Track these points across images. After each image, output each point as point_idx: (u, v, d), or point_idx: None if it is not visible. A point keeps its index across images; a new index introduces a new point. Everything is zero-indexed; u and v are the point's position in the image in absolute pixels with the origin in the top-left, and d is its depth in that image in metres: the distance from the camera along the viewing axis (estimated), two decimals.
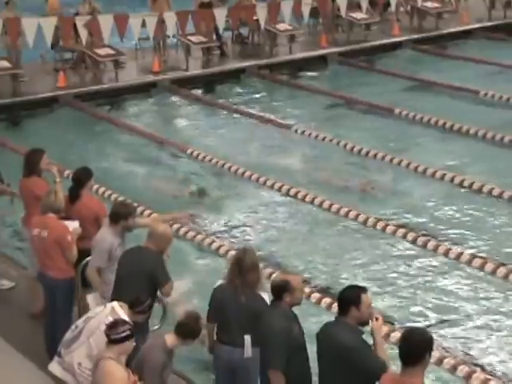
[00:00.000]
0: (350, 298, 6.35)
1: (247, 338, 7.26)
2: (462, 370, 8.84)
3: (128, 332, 6.41)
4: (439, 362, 8.86)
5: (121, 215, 8.38)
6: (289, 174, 14.35)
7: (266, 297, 7.37)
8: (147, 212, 12.50)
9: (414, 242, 11.81)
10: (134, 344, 6.53)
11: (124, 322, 6.52)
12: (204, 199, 13.32)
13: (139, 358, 6.81)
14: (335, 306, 7.73)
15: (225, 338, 7.41)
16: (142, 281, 7.72)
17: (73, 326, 7.19)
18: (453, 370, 8.86)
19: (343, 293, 6.46)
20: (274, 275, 7.15)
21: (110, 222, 8.41)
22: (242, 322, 7.27)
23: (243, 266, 7.36)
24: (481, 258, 11.21)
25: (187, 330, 6.84)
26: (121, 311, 7.04)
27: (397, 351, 5.70)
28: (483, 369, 8.99)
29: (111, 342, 6.38)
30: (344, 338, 6.24)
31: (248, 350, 7.25)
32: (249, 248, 7.66)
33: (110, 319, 6.89)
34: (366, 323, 6.38)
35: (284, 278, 7.06)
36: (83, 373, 6.92)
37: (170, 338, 6.87)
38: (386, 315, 9.43)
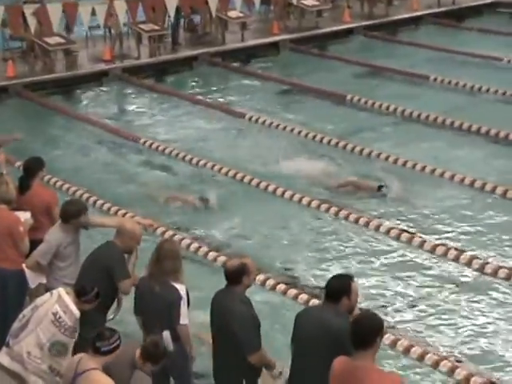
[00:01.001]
0: (341, 287, 6.30)
1: (166, 334, 7.14)
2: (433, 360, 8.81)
3: (118, 342, 6.31)
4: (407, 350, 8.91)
5: (70, 214, 8.23)
6: (243, 162, 14.34)
7: (184, 289, 7.24)
8: (99, 203, 12.46)
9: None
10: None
11: (113, 332, 6.37)
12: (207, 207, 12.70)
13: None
14: None
15: (147, 329, 7.34)
16: (98, 273, 7.65)
17: (20, 316, 7.08)
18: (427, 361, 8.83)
19: (333, 282, 6.37)
20: (230, 262, 7.01)
21: (60, 220, 8.33)
22: (157, 313, 7.16)
23: (161, 254, 7.28)
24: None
25: (147, 353, 6.58)
26: (67, 299, 6.96)
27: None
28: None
29: (100, 353, 6.25)
30: (338, 326, 6.15)
31: (169, 345, 7.11)
32: (171, 238, 7.57)
33: (57, 307, 6.82)
34: (353, 311, 6.37)
35: (240, 261, 6.96)
36: (33, 361, 6.84)
37: (137, 354, 6.65)
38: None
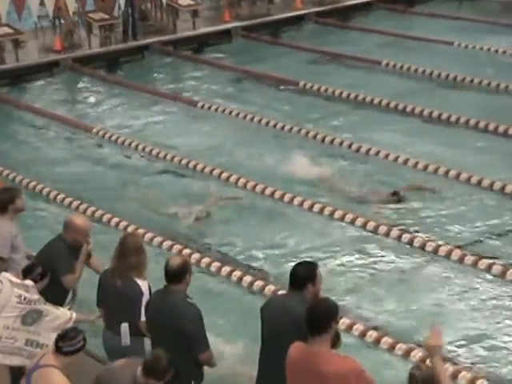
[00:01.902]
0: (306, 274, 6.30)
1: (124, 326, 7.11)
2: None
3: (82, 343, 6.15)
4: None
5: (6, 201, 8.14)
6: (197, 151, 14.30)
7: (146, 285, 7.14)
8: (46, 191, 12.48)
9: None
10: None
11: (77, 332, 6.22)
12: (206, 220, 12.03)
13: (102, 377, 6.35)
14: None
15: (106, 323, 7.32)
16: (45, 266, 7.59)
17: None
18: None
19: (298, 269, 6.36)
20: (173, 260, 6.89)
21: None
22: (117, 307, 7.11)
23: (124, 249, 7.22)
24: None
25: (149, 369, 6.12)
26: (18, 279, 6.95)
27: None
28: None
29: (62, 353, 6.11)
30: (299, 310, 6.10)
31: (126, 338, 7.10)
32: (135, 232, 7.48)
33: (17, 290, 6.76)
34: (317, 297, 6.36)
35: (182, 258, 6.90)
36: (5, 343, 6.78)
37: (139, 371, 6.19)
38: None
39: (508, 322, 9.33)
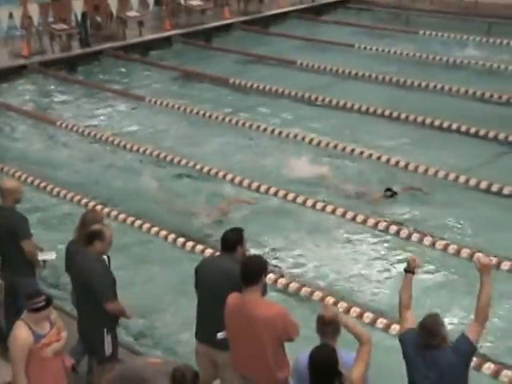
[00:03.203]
0: (236, 237, 6.27)
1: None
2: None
3: (42, 303, 5.94)
4: None
5: None
6: (143, 138, 14.17)
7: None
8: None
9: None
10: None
11: (39, 294, 6.04)
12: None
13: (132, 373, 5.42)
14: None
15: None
16: (5, 237, 7.33)
17: None
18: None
19: (229, 234, 6.29)
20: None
21: None
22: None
23: (84, 222, 7.03)
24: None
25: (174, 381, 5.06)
26: None
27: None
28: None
29: (28, 310, 5.97)
30: (234, 270, 6.06)
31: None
32: (95, 209, 7.19)
33: None
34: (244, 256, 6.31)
35: (98, 226, 6.67)
36: None
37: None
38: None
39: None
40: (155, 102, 16.06)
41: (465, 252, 9.51)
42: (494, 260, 9.15)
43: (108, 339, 6.59)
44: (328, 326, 5.24)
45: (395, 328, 7.54)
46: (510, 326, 8.19)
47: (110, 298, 6.48)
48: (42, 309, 5.95)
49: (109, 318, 6.58)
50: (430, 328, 5.14)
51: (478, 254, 5.47)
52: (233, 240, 6.27)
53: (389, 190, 11.20)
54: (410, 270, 5.59)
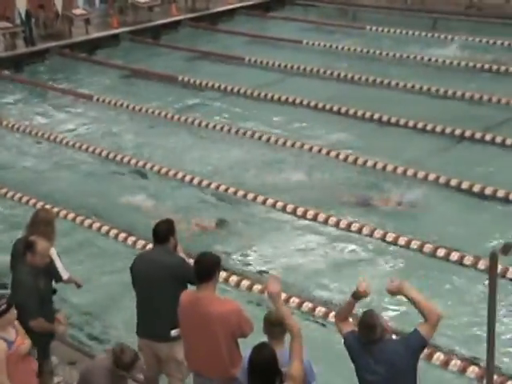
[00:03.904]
0: (167, 229, 6.26)
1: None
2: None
3: (3, 307, 5.78)
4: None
5: None
6: (91, 137, 14.06)
7: (54, 252, 6.83)
8: None
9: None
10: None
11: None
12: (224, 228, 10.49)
13: (84, 373, 5.88)
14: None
15: None
16: None
17: None
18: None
19: (160, 226, 6.27)
20: None
21: None
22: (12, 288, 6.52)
23: (35, 220, 6.91)
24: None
25: (116, 360, 5.65)
26: None
27: None
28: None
29: None
30: (171, 261, 6.16)
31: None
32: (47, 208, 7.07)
33: None
34: (176, 247, 6.33)
35: (32, 238, 6.50)
36: None
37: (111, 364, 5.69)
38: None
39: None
40: (103, 101, 15.93)
41: (415, 244, 9.68)
42: (443, 252, 9.34)
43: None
44: (275, 327, 5.30)
45: None
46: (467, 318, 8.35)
47: (32, 315, 6.30)
48: (4, 313, 5.86)
49: (37, 335, 6.37)
50: (367, 322, 5.16)
51: (388, 281, 5.41)
52: (164, 231, 6.25)
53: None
54: (356, 297, 5.37)
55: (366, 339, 5.16)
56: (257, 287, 8.83)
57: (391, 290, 5.27)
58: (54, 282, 6.76)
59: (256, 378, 4.94)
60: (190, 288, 5.95)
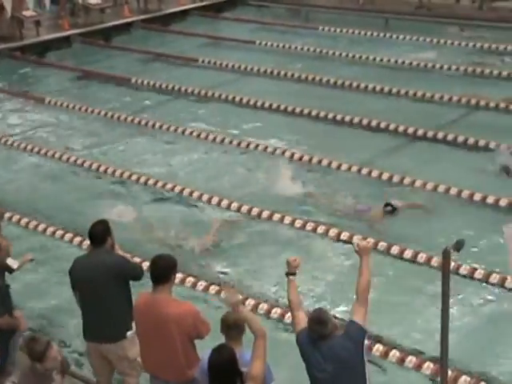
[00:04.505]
0: (104, 230, 6.22)
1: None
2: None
3: None
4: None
5: None
6: (43, 140, 13.89)
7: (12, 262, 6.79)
8: None
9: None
10: None
11: None
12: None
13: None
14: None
15: None
16: None
17: None
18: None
19: (96, 228, 6.23)
20: None
21: None
22: None
23: None
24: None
25: (29, 352, 5.67)
26: None
27: None
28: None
29: None
30: (112, 260, 6.15)
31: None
32: None
33: None
34: (114, 246, 6.30)
35: None
36: None
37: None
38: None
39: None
40: (55, 103, 15.75)
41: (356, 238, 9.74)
42: (384, 246, 9.48)
43: None
44: (232, 330, 5.32)
45: None
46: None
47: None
48: None
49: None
50: (319, 317, 5.22)
51: (357, 238, 5.58)
52: (101, 232, 6.23)
53: (388, 204, 10.26)
54: (290, 273, 5.53)
55: (317, 334, 5.20)
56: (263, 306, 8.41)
57: (363, 245, 5.43)
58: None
59: (217, 379, 4.95)
60: (146, 290, 5.93)
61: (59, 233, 10.34)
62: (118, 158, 12.96)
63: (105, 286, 6.03)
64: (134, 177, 12.06)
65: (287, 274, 5.55)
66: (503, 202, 10.57)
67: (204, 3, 23.30)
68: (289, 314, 7.16)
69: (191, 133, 13.85)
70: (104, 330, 6.18)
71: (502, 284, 8.71)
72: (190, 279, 8.91)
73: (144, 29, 21.43)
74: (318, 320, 5.21)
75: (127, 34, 21.16)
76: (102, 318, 6.15)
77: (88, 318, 6.30)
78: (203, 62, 18.18)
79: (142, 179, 11.96)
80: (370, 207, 10.57)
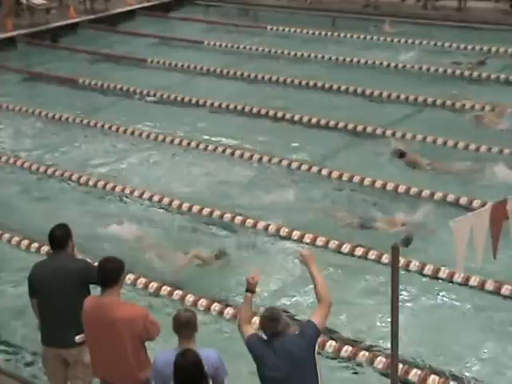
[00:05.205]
0: (64, 233, 6.16)
1: None
2: None
3: None
4: None
5: None
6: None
7: None
8: None
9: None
10: None
11: None
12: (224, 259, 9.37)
13: None
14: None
15: None
16: None
17: None
18: None
19: (56, 232, 6.14)
20: None
21: None
22: None
23: None
24: None
25: None
26: None
27: None
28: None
29: None
30: (75, 264, 6.07)
31: None
32: None
33: None
34: (74, 248, 6.26)
35: None
36: None
37: None
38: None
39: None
40: (1, 106, 15.50)
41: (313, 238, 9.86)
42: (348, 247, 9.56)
43: None
44: (185, 328, 5.30)
45: None
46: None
47: None
48: None
49: None
50: (271, 314, 5.30)
51: (301, 249, 5.67)
52: (62, 236, 6.15)
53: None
54: (249, 290, 5.58)
55: (270, 332, 5.25)
56: None
57: (306, 254, 5.63)
58: None
59: (184, 383, 4.92)
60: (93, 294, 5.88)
61: (6, 236, 10.18)
62: (66, 160, 12.81)
63: (68, 292, 5.93)
64: (84, 179, 11.94)
65: (246, 291, 5.61)
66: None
67: (151, 3, 23.19)
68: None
69: (140, 134, 13.76)
70: (66, 335, 6.08)
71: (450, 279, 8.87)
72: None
73: (91, 29, 21.22)
74: (271, 317, 5.28)
75: (74, 34, 20.92)
76: (64, 324, 6.04)
77: (48, 323, 6.20)
78: (152, 62, 18.09)
79: (92, 181, 11.85)
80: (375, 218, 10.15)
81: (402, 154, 12.00)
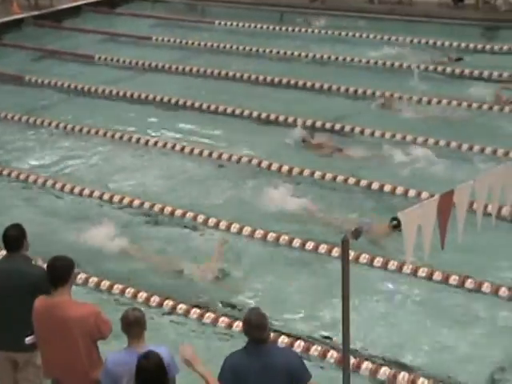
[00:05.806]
0: (19, 233, 6.03)
1: None
2: None
3: None
4: None
5: None
6: None
7: None
8: None
9: None
10: None
11: None
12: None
13: None
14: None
15: None
16: None
17: None
18: None
19: (11, 232, 6.01)
20: None
21: None
22: None
23: None
24: None
25: None
26: None
27: None
28: None
29: None
30: (31, 270, 5.94)
31: None
32: None
33: None
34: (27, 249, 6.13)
35: None
36: None
37: None
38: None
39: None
40: None
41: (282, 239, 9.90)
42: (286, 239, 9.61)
43: None
44: (134, 327, 5.27)
45: None
46: None
47: None
48: None
49: None
50: (260, 321, 5.11)
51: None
52: (17, 236, 6.04)
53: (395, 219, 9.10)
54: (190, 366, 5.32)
55: (258, 338, 5.11)
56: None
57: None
58: None
59: None
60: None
61: None
62: (13, 159, 12.61)
63: (20, 296, 5.82)
64: (32, 178, 11.77)
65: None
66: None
67: None
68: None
69: (88, 131, 13.62)
70: (18, 339, 5.95)
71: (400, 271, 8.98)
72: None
73: (36, 25, 20.88)
74: (259, 324, 5.10)
75: (18, 31, 20.55)
76: (15, 327, 5.94)
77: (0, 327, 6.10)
78: (100, 58, 17.90)
79: (40, 180, 11.69)
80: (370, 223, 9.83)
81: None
